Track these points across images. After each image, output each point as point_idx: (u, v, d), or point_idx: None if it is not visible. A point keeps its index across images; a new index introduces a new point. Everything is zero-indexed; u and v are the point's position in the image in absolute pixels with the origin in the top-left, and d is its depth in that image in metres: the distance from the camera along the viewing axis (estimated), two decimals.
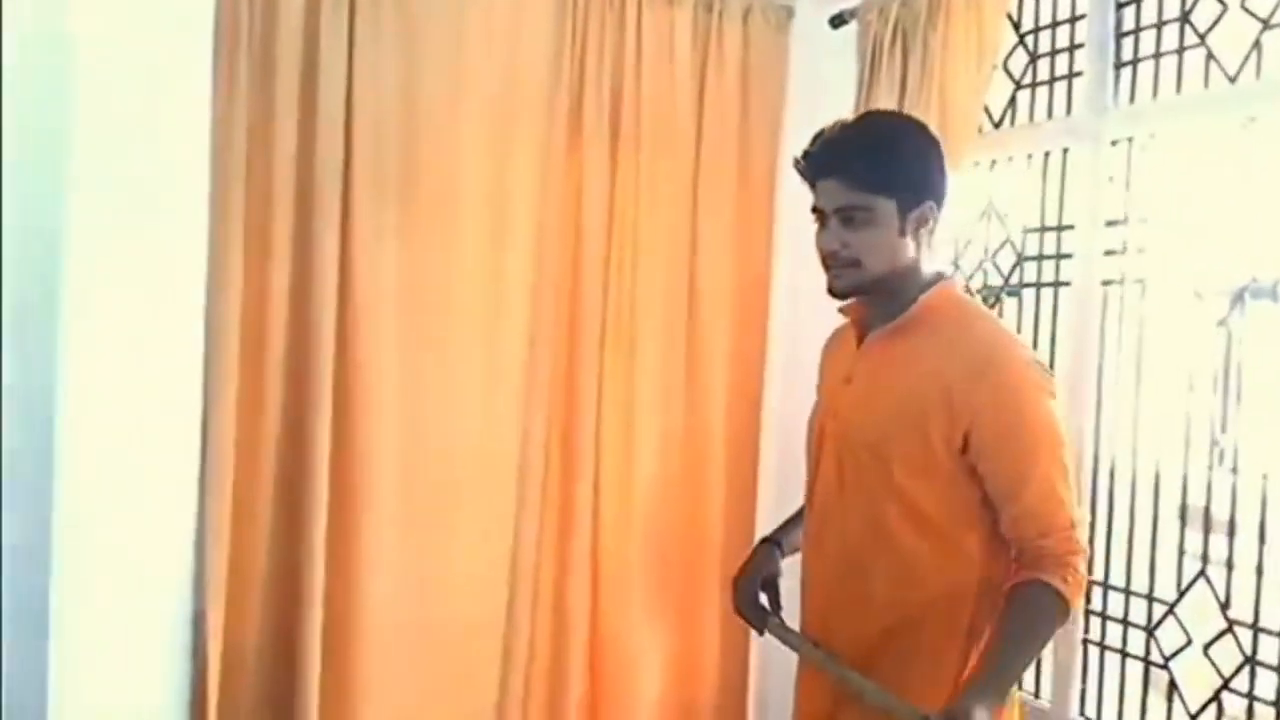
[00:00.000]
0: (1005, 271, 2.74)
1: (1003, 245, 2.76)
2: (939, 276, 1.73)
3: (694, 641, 3.08)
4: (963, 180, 2.62)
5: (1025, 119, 2.71)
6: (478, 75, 2.79)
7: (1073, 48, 2.59)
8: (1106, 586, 2.46)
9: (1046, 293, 2.63)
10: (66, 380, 2.17)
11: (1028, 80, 2.71)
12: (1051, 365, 2.56)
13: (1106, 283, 2.45)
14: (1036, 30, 2.69)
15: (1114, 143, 2.45)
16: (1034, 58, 2.70)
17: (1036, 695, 2.60)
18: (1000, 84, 2.71)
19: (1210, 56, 2.28)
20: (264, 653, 2.61)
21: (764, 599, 1.95)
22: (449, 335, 2.80)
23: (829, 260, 1.69)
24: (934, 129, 2.56)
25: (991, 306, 2.77)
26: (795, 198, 3.11)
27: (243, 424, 2.54)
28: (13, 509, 2.22)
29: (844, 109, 2.91)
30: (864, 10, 2.89)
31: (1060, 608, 1.59)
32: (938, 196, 1.69)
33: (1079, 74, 2.56)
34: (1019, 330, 2.68)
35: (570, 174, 2.92)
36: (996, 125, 2.77)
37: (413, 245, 2.74)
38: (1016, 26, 2.72)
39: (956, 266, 2.84)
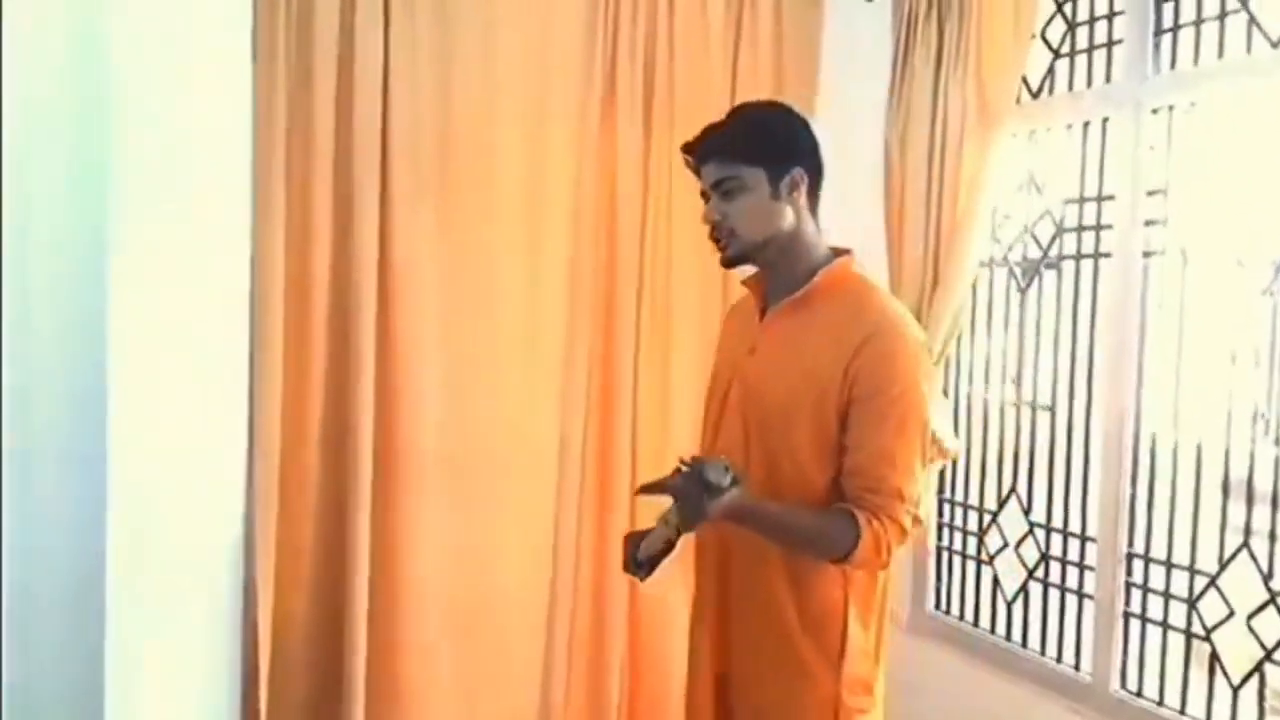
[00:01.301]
0: (1044, 244, 2.72)
1: (1041, 217, 2.73)
2: (836, 253, 1.83)
3: None
4: (1000, 151, 2.60)
5: (1064, 89, 2.67)
6: (511, 60, 2.81)
7: (1112, 15, 2.55)
8: (1148, 559, 2.44)
9: (1086, 265, 2.60)
10: (118, 360, 2.22)
11: (1066, 49, 2.67)
12: (1091, 338, 2.55)
13: (1148, 254, 2.42)
14: None
15: (1154, 111, 2.41)
16: (1072, 26, 2.66)
17: (1077, 668, 2.59)
18: (1038, 53, 2.68)
19: (1252, 21, 2.23)
20: (312, 623, 2.68)
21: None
22: (488, 317, 2.83)
23: (714, 233, 1.82)
24: (971, 100, 2.60)
25: (1030, 280, 2.75)
26: (827, 172, 3.11)
27: (288, 402, 2.59)
28: (68, 480, 2.28)
29: (879, 82, 2.90)
30: None
31: (848, 536, 1.67)
32: (805, 164, 1.81)
33: (1118, 42, 2.52)
34: (1060, 302, 2.66)
35: (605, 154, 2.93)
36: (1035, 95, 2.74)
37: (450, 230, 2.77)
38: None
39: (996, 240, 2.82)
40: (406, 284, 2.72)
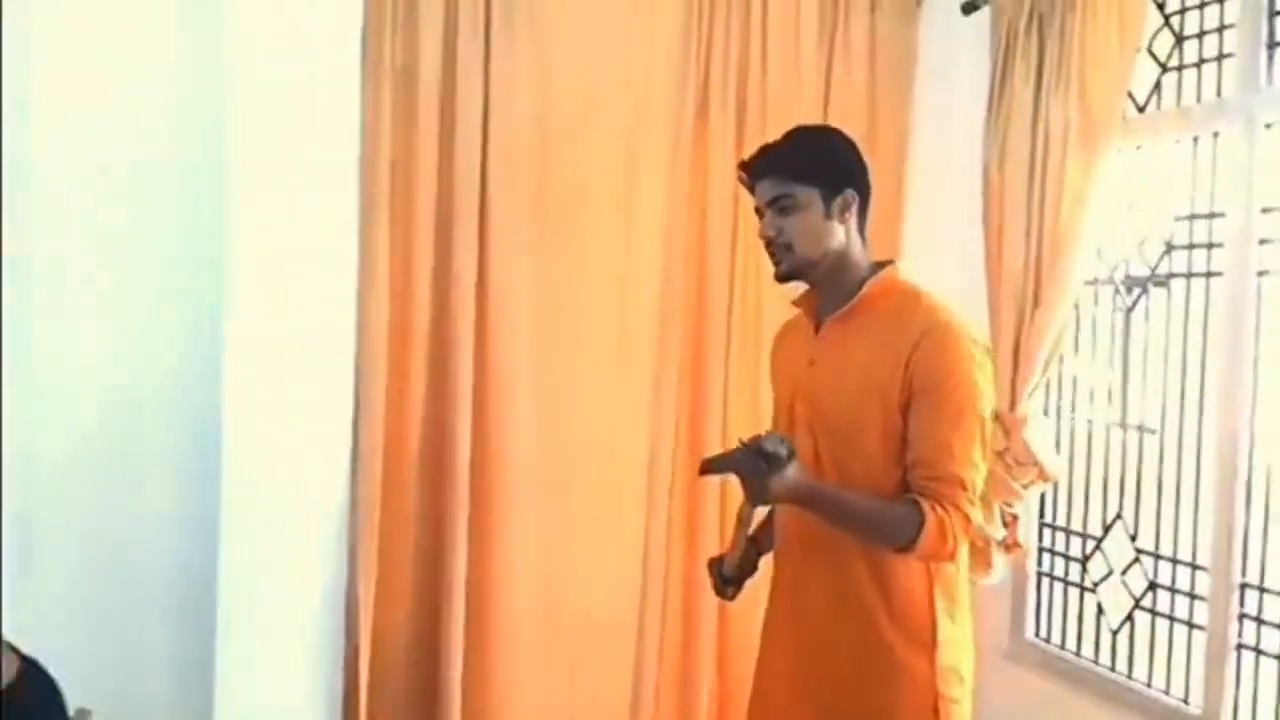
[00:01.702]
0: (1152, 262, 2.64)
1: (1148, 235, 2.66)
2: (880, 265, 1.91)
3: None
4: (1104, 168, 2.54)
5: (1172, 103, 2.60)
6: (606, 81, 2.86)
7: (1222, 28, 2.48)
8: (1263, 590, 2.35)
9: (1197, 284, 2.52)
10: (231, 377, 2.31)
11: (1174, 63, 2.60)
12: (1202, 359, 2.47)
13: (1261, 273, 2.34)
14: (1183, 10, 2.58)
15: (1268, 125, 2.33)
16: (1180, 39, 2.59)
17: (1186, 701, 2.50)
18: (1145, 67, 2.61)
19: None
20: (411, 633, 2.74)
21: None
22: (581, 333, 2.89)
23: (769, 247, 1.90)
24: (1074, 115, 2.55)
25: (1137, 298, 2.68)
26: (923, 190, 3.09)
27: (390, 421, 2.68)
28: (183, 493, 2.37)
29: (976, 100, 2.86)
30: None
31: (912, 523, 1.70)
32: (857, 186, 1.89)
33: (1229, 55, 2.45)
34: (1169, 324, 2.58)
35: (696, 172, 2.96)
36: (1141, 110, 2.67)
37: (546, 247, 2.83)
38: (1161, 7, 2.61)
39: (1100, 258, 2.75)
40: (502, 302, 2.78)
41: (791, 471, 1.66)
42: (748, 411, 3.02)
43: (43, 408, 2.33)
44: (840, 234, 1.88)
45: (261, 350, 2.37)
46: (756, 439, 1.66)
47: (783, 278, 1.91)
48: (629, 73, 2.89)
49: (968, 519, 1.74)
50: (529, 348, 2.82)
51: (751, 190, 1.93)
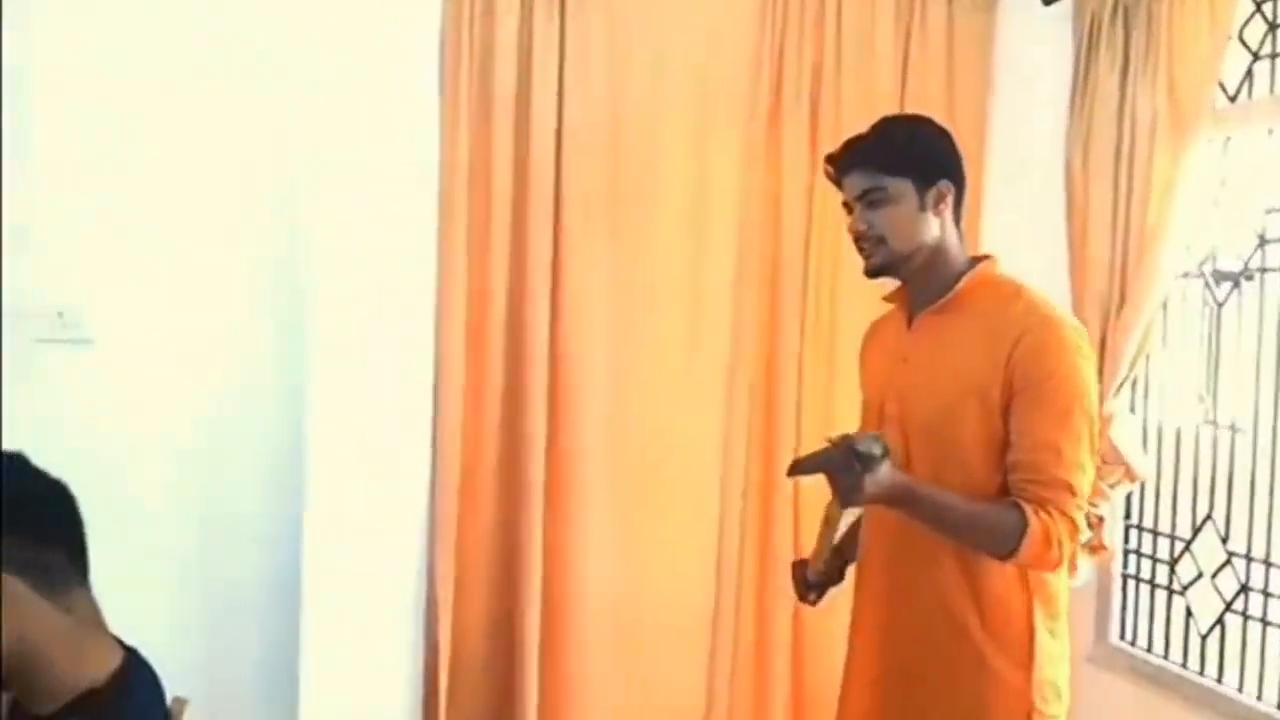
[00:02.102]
0: (1243, 256, 2.56)
1: (1239, 227, 2.58)
2: (977, 260, 1.83)
3: None
4: (1194, 159, 2.47)
5: (1264, 92, 2.52)
6: (680, 80, 2.86)
7: None
8: None
9: None
10: (315, 384, 2.37)
11: (1266, 50, 2.52)
12: None
13: None
14: None
15: None
16: (1273, 26, 2.51)
17: (1259, 696, 2.42)
18: (1235, 56, 2.53)
19: None
20: (488, 634, 2.77)
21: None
22: (655, 334, 2.89)
23: (859, 242, 1.82)
24: (1162, 106, 2.48)
25: (1228, 293, 2.60)
26: (1003, 186, 3.03)
27: (468, 421, 2.71)
28: (270, 501, 2.44)
29: (1057, 93, 2.80)
30: None
31: (1015, 528, 1.62)
32: (951, 177, 1.82)
33: None
34: (1261, 319, 2.50)
35: (770, 170, 2.94)
36: (1232, 99, 2.59)
37: (620, 248, 2.84)
38: None
39: (1188, 252, 2.67)
40: (576, 306, 2.80)
41: (885, 471, 1.58)
42: (821, 412, 2.99)
43: (139, 420, 2.41)
44: (935, 227, 1.80)
45: (342, 359, 2.43)
46: (847, 438, 1.58)
47: (874, 273, 1.84)
48: (702, 70, 2.88)
49: (1075, 525, 1.66)
50: (603, 350, 2.83)
51: (839, 185, 1.85)
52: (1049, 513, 1.63)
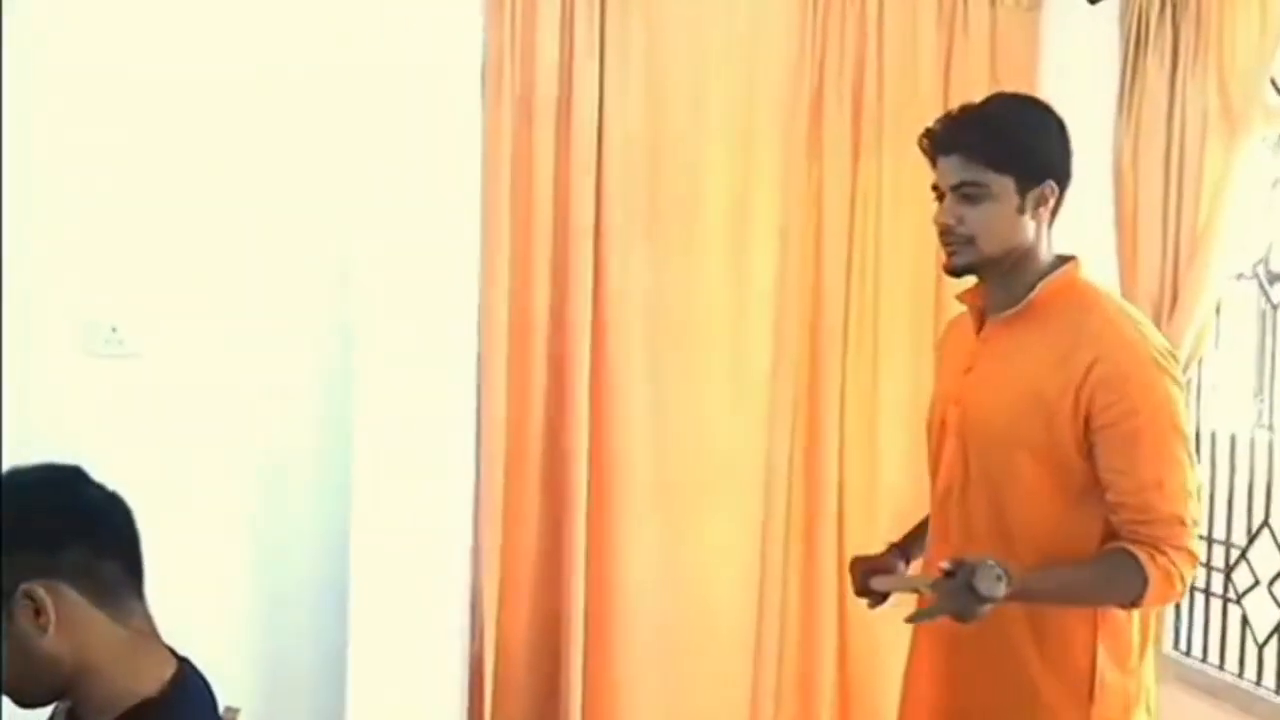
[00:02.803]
0: None
1: None
2: (1061, 261, 1.70)
3: None
4: (1247, 157, 2.42)
5: None
6: (721, 87, 2.85)
7: None
8: None
9: None
10: (362, 387, 2.40)
11: None
12: None
13: None
14: None
15: None
16: None
17: None
18: None
19: None
20: (533, 637, 2.78)
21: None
22: (696, 340, 2.88)
23: (945, 237, 1.69)
24: (1213, 103, 2.44)
25: None
26: None
27: (511, 430, 2.72)
28: (317, 498, 2.47)
29: (1104, 92, 2.76)
30: None
31: (1135, 581, 1.55)
32: (1058, 176, 1.68)
33: None
34: None
35: (811, 177, 2.92)
36: None
37: (660, 255, 2.84)
38: None
39: (1243, 252, 2.62)
40: (618, 310, 2.80)
41: (1002, 592, 1.47)
42: (865, 418, 2.97)
43: (189, 430, 2.45)
44: (1030, 230, 1.66)
45: (388, 365, 2.46)
46: (964, 566, 1.48)
47: (957, 272, 1.71)
48: (742, 72, 2.86)
49: (1193, 555, 1.59)
50: (644, 354, 2.82)
51: (933, 163, 1.71)
52: (1163, 552, 1.56)
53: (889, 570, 1.89)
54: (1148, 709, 1.70)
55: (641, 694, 2.83)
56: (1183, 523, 1.58)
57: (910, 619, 1.62)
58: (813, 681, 2.95)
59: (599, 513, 2.77)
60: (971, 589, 1.46)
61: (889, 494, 2.96)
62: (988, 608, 1.49)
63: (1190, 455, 1.63)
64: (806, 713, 2.95)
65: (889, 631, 2.94)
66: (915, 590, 1.73)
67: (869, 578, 1.81)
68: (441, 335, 2.56)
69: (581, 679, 2.74)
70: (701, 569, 2.90)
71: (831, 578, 2.93)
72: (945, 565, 1.51)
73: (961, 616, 1.51)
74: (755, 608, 2.92)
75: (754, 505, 2.93)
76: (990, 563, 1.49)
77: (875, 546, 2.91)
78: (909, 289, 2.96)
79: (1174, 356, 1.68)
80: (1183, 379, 1.66)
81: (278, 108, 2.51)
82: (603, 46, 2.75)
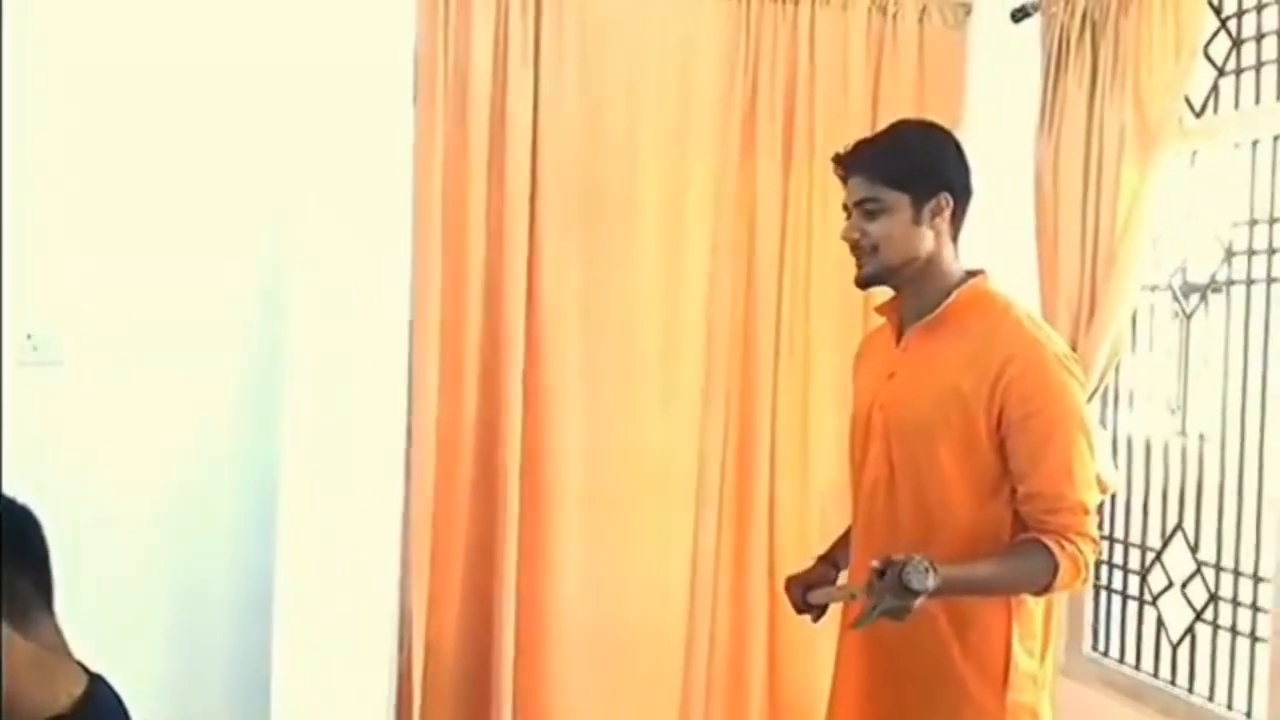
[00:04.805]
0: (1211, 268, 2.59)
1: (1207, 241, 2.61)
2: (970, 274, 1.84)
3: None
4: (1161, 174, 2.50)
5: (1229, 108, 2.55)
6: (654, 95, 2.89)
7: None
8: None
9: (1258, 290, 2.47)
10: (290, 394, 2.37)
11: (1231, 66, 2.56)
12: (1264, 367, 2.42)
13: None
14: (1240, 13, 2.53)
15: None
16: (1237, 42, 2.55)
17: (1249, 715, 2.44)
18: (1201, 71, 2.56)
19: None
20: (462, 643, 2.78)
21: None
22: (629, 345, 2.90)
23: (853, 250, 1.84)
24: (1130, 121, 2.51)
25: (1196, 305, 2.63)
26: (972, 201, 3.04)
27: (441, 433, 2.71)
28: (241, 510, 2.43)
29: (1026, 108, 2.82)
30: (1048, 1, 2.79)
31: (1047, 568, 1.67)
32: (953, 189, 1.82)
33: None
34: (1229, 331, 2.53)
35: (744, 185, 2.97)
36: (1198, 114, 2.62)
37: (594, 261, 2.86)
38: (1217, 10, 2.57)
39: (1157, 265, 2.70)
40: (551, 313, 2.81)
41: (932, 584, 1.56)
42: (797, 421, 3.02)
43: (108, 439, 2.40)
44: (929, 240, 1.81)
45: (317, 365, 2.42)
46: (892, 564, 1.55)
47: (863, 283, 1.86)
48: (676, 84, 2.91)
49: (1095, 542, 1.72)
50: (577, 361, 2.84)
51: (844, 183, 1.86)
52: (1070, 540, 1.68)
53: (824, 583, 1.96)
54: (1050, 696, 1.82)
55: (572, 702, 2.84)
56: (1087, 511, 1.71)
57: (855, 626, 1.69)
58: (743, 683, 2.98)
59: (530, 521, 2.78)
60: (903, 584, 1.54)
61: (819, 495, 3.01)
62: (920, 600, 1.56)
63: (1092, 449, 1.76)
64: (736, 713, 2.98)
65: (820, 634, 2.99)
66: (852, 597, 1.80)
67: (806, 594, 1.89)
68: (372, 341, 2.54)
69: (512, 689, 2.74)
70: (633, 577, 2.91)
71: (762, 581, 2.98)
72: (875, 564, 1.58)
73: (897, 614, 1.58)
74: (686, 613, 2.95)
75: (685, 511, 2.96)
76: (917, 558, 1.56)
77: (805, 548, 2.99)
78: (839, 296, 3.00)
79: (1075, 359, 1.82)
80: (1084, 379, 1.80)
81: (204, 110, 2.48)
82: (537, 51, 2.77)
